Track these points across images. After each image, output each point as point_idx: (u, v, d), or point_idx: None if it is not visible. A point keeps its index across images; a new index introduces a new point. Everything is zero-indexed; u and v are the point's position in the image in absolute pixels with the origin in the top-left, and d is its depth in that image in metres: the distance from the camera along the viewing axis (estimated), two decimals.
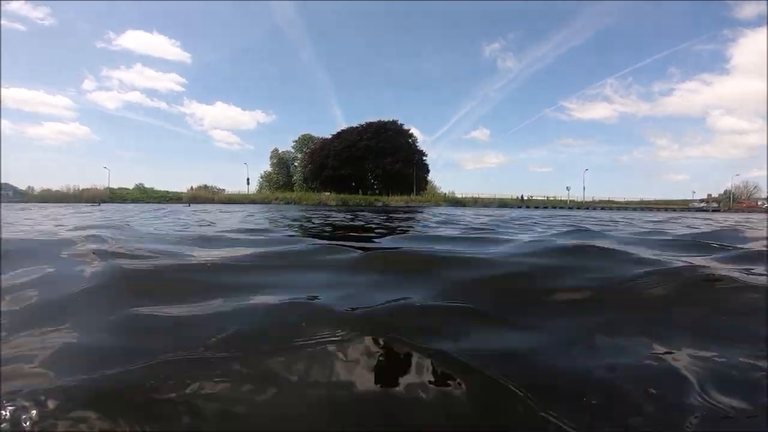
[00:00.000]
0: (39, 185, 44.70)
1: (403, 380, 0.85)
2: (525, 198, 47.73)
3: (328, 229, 5.34)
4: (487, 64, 75.27)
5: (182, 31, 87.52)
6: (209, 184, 52.80)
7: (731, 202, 48.93)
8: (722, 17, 66.21)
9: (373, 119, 48.14)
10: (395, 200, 39.52)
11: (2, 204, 19.81)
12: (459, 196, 48.19)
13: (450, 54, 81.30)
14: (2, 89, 54.75)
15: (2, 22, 52.22)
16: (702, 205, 47.57)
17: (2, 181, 39.44)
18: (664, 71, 73.75)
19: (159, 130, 79.38)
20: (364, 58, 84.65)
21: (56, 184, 42.94)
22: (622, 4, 72.80)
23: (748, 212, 36.21)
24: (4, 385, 0.80)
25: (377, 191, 46.71)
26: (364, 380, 0.85)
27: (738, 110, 76.77)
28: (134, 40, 77.13)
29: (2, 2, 51.48)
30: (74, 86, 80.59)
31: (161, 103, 72.93)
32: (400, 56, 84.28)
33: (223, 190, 49.43)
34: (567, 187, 50.34)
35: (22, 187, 44.71)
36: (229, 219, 7.28)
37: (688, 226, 6.21)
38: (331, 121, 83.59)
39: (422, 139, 68.39)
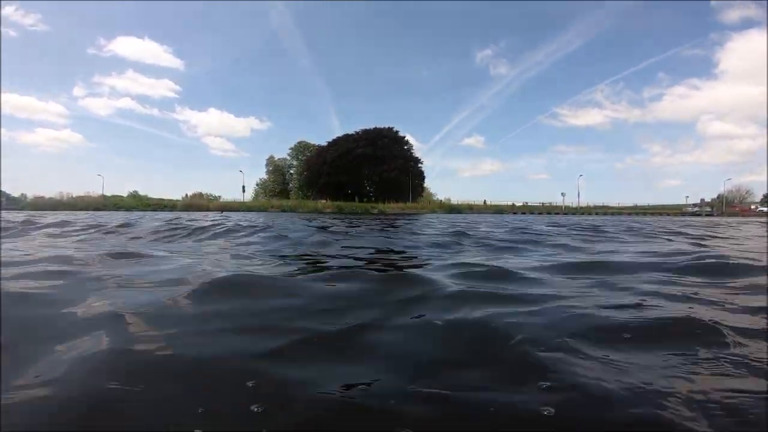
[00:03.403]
0: (31, 192, 44.28)
1: None
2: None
3: None
4: (480, 71, 76.21)
5: (175, 37, 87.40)
6: (204, 191, 52.61)
7: (723, 206, 49.43)
8: (708, 22, 67.60)
9: (369, 126, 48.50)
10: (391, 207, 39.52)
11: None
12: (455, 203, 48.39)
13: (444, 61, 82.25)
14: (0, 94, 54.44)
15: None
16: (695, 209, 48.04)
17: None
18: (654, 76, 75.15)
19: (152, 137, 79.17)
20: (360, 65, 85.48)
21: (49, 191, 42.55)
22: (611, 11, 74.20)
23: (742, 216, 36.57)
24: None
25: (373, 198, 46.73)
26: None
27: (728, 115, 78.10)
28: (126, 46, 77.53)
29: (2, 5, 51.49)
30: (66, 92, 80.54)
31: (153, 110, 72.67)
32: (395, 63, 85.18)
33: (219, 197, 49.25)
34: (562, 194, 50.64)
35: (15, 194, 44.29)
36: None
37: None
38: (327, 128, 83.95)
39: (418, 147, 68.80)
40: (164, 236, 5.65)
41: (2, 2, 53.44)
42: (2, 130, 58.79)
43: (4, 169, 61.22)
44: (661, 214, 41.54)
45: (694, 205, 50.34)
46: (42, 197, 40.47)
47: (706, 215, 40.47)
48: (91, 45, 78.32)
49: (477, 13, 79.25)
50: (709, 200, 52.39)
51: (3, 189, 43.10)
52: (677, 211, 47.77)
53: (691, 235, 6.86)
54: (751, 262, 3.01)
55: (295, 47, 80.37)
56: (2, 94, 57.87)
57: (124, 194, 46.30)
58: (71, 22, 73.60)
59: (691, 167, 74.49)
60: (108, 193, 43.60)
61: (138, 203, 38.61)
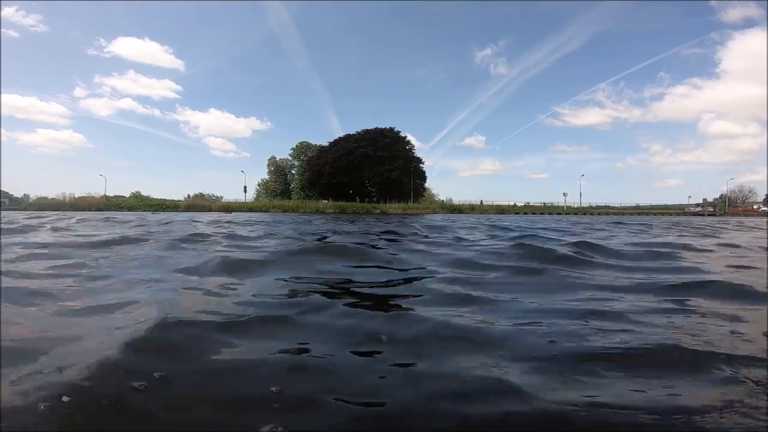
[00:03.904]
0: (34, 193, 44.46)
1: None
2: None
3: None
4: (480, 71, 76.08)
5: (175, 37, 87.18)
6: (205, 192, 52.69)
7: (726, 206, 49.25)
8: (709, 21, 67.59)
9: (370, 126, 48.45)
10: (393, 208, 39.51)
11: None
12: (456, 203, 48.35)
13: (444, 61, 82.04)
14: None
15: None
16: (698, 209, 47.87)
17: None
18: (655, 76, 74.99)
19: (153, 137, 79.52)
20: (359, 65, 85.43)
21: (51, 192, 42.68)
22: (611, 10, 74.20)
23: (744, 216, 36.44)
24: None
25: (375, 199, 46.70)
26: None
27: (729, 114, 77.94)
28: (126, 47, 77.76)
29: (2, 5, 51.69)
30: (67, 93, 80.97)
31: (155, 110, 72.84)
32: (395, 63, 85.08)
33: (221, 197, 49.33)
34: (564, 194, 50.31)
35: (18, 194, 44.44)
36: None
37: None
38: (328, 128, 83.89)
39: (418, 147, 68.66)
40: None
41: (2, 3, 53.67)
42: (3, 130, 59.06)
43: (5, 169, 61.51)
44: (663, 214, 41.43)
45: (697, 205, 50.15)
46: (45, 198, 40.62)
47: (708, 215, 40.34)
48: (91, 45, 78.85)
49: (477, 13, 79.32)
50: (712, 200, 52.22)
51: (4, 189, 43.27)
52: (679, 211, 47.65)
53: None
54: None
55: (294, 47, 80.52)
56: (3, 95, 58.15)
57: (127, 195, 46.41)
58: (71, 23, 73.99)
59: (692, 167, 74.37)
60: (110, 194, 43.74)
61: (140, 204, 38.66)
